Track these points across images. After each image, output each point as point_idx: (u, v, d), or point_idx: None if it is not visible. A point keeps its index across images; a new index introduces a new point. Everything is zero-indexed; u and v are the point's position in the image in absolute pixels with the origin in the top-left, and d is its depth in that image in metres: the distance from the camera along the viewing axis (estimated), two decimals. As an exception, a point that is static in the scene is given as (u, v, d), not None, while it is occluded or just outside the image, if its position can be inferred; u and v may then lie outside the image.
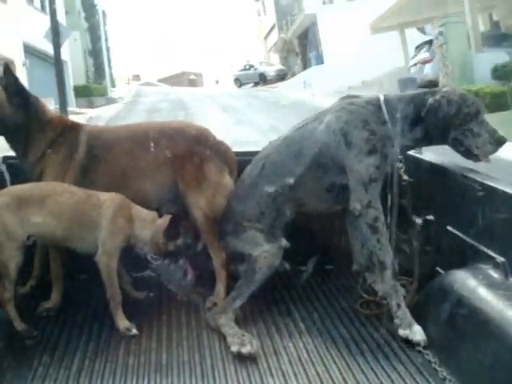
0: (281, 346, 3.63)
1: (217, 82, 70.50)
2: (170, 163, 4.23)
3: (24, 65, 30.31)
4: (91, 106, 35.97)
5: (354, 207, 3.88)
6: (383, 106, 4.01)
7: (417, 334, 3.57)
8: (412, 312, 3.69)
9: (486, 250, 3.42)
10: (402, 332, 3.62)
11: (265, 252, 3.96)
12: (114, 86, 48.42)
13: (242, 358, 3.48)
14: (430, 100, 3.91)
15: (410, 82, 24.23)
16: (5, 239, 3.64)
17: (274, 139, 4.38)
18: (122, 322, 3.76)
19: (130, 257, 3.98)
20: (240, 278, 3.99)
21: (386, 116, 3.98)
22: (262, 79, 55.97)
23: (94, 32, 46.51)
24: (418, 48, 27.13)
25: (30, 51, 32.23)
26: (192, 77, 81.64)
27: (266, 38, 63.63)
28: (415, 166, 4.28)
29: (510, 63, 20.43)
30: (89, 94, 38.30)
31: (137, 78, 76.98)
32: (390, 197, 4.03)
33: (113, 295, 3.78)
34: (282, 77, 53.64)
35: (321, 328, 3.87)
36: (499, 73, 20.47)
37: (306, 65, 48.01)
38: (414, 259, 4.01)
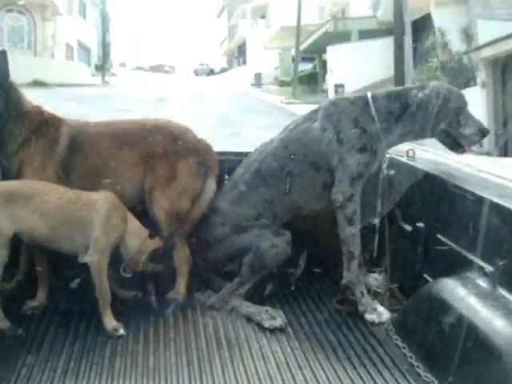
0: (268, 351, 3.70)
1: (186, 75, 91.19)
2: (146, 160, 4.29)
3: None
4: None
5: (336, 198, 4.15)
6: (371, 103, 4.21)
7: (382, 315, 4.02)
8: (399, 318, 3.89)
9: (475, 259, 3.51)
10: (368, 316, 4.03)
11: (275, 246, 4.19)
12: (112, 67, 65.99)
13: (228, 361, 3.62)
14: (420, 94, 4.14)
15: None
16: None
17: (265, 142, 4.51)
18: (110, 322, 3.82)
19: (118, 256, 4.01)
20: (243, 266, 4.24)
21: (374, 113, 4.20)
22: (211, 72, 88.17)
23: (104, 25, 59.99)
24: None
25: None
26: (167, 68, 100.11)
27: (220, 45, 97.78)
28: (407, 173, 4.39)
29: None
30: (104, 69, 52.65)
31: (123, 65, 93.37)
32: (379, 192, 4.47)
33: (102, 294, 3.83)
34: (223, 71, 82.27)
35: (308, 332, 3.95)
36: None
37: (239, 64, 74.17)
38: (387, 250, 4.36)
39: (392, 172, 4.48)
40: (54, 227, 3.81)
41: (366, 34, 32.89)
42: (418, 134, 4.29)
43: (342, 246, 4.21)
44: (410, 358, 3.56)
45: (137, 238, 3.97)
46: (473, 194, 3.65)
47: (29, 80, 34.69)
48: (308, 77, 44.41)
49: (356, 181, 4.18)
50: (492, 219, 3.41)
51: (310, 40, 41.95)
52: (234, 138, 19.05)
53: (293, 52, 44.41)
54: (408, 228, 4.36)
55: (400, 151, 4.67)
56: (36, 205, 3.78)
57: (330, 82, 36.66)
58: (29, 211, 3.77)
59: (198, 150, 4.43)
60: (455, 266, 3.71)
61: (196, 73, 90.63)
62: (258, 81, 53.23)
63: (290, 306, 4.34)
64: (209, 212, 4.45)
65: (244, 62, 67.66)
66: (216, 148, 4.54)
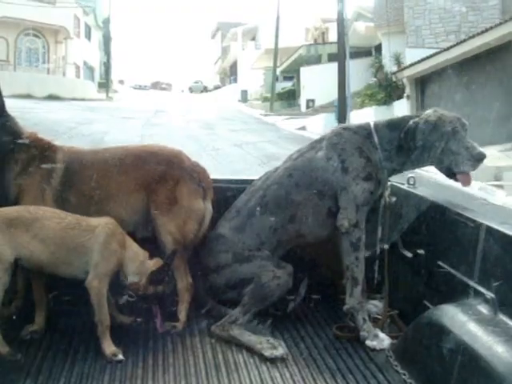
0: (267, 377, 3.72)
1: (182, 91, 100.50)
2: (143, 187, 4.33)
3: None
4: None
5: (341, 224, 4.21)
6: (374, 133, 4.29)
7: (384, 342, 4.07)
8: (399, 344, 3.93)
9: (475, 285, 3.55)
10: (369, 343, 4.07)
11: (277, 278, 4.20)
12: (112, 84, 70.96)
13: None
14: (410, 122, 4.19)
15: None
16: None
17: (269, 170, 4.57)
18: (109, 348, 3.82)
19: (117, 281, 4.03)
20: (245, 296, 4.24)
21: (377, 142, 4.28)
22: (205, 89, 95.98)
23: (106, 47, 65.64)
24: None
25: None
26: (164, 85, 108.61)
27: (214, 64, 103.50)
28: (408, 199, 4.45)
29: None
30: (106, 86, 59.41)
31: (122, 82, 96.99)
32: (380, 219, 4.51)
33: (101, 320, 3.83)
34: (216, 88, 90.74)
35: (307, 358, 3.96)
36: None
37: (230, 82, 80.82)
38: (386, 276, 4.40)
39: (393, 199, 4.51)
40: (53, 252, 3.83)
41: (334, 57, 34.32)
42: (416, 163, 4.35)
43: (346, 271, 4.26)
44: None
45: (136, 262, 3.98)
46: (473, 220, 3.69)
47: (44, 94, 44.48)
48: (287, 93, 51.98)
49: (361, 208, 4.25)
50: (492, 246, 3.45)
51: (288, 62, 51.56)
52: (211, 136, 28.19)
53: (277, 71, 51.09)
54: (408, 255, 4.39)
55: (401, 178, 4.72)
56: (36, 230, 3.81)
57: (303, 98, 45.08)
58: (29, 236, 3.79)
59: (194, 173, 4.49)
60: (455, 293, 3.73)
61: (191, 90, 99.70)
62: (243, 97, 62.78)
63: (289, 331, 4.35)
64: (211, 238, 4.49)
65: (235, 80, 75.85)
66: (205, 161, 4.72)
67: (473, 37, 23.76)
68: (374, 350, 4.04)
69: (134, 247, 4.02)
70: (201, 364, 3.85)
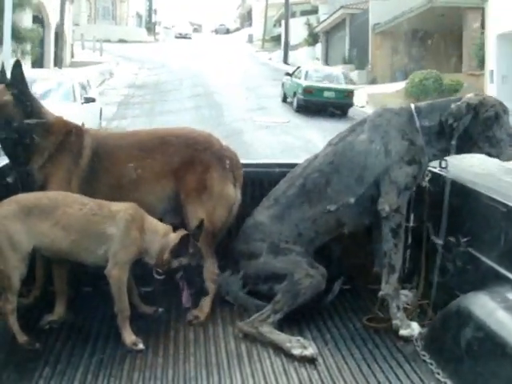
0: (291, 367, 3.71)
1: (212, 32, 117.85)
2: (172, 172, 4.31)
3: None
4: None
5: (382, 208, 4.18)
6: (415, 115, 4.24)
7: (416, 330, 4.06)
8: (427, 334, 3.92)
9: (506, 272, 3.54)
10: (403, 332, 4.04)
11: (310, 276, 4.16)
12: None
13: (249, 376, 3.62)
14: (452, 106, 4.13)
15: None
16: (9, 249, 3.70)
17: (309, 157, 4.54)
18: (129, 337, 3.85)
19: (140, 270, 4.06)
20: (278, 293, 4.19)
21: (418, 125, 4.21)
22: (227, 31, 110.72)
23: None
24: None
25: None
26: (195, 26, 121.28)
27: (237, 8, 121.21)
28: (439, 184, 4.39)
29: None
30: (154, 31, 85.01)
31: (159, 23, 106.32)
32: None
33: (121, 309, 3.86)
34: (236, 31, 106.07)
35: (333, 349, 3.96)
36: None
37: (247, 26, 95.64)
38: (421, 267, 4.33)
39: (424, 184, 4.44)
40: (74, 240, 3.83)
41: (305, 13, 62.92)
42: (456, 149, 4.28)
43: (384, 257, 4.25)
44: (438, 374, 3.56)
45: (156, 241, 3.96)
46: (505, 205, 3.67)
47: (116, 39, 65.46)
48: (277, 37, 65.44)
49: (403, 193, 4.21)
50: None
51: (277, 15, 68.50)
52: (212, 57, 51.43)
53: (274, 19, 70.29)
54: (439, 242, 4.34)
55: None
56: (57, 217, 3.81)
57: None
58: (50, 224, 3.79)
59: (224, 157, 4.44)
60: (486, 280, 3.72)
61: (216, 31, 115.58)
62: (250, 39, 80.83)
63: (315, 321, 4.33)
64: (249, 225, 4.50)
65: (250, 25, 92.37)
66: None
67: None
68: (402, 339, 4.04)
69: (153, 227, 3.99)
70: (223, 354, 3.86)
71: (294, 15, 61.50)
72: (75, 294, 4.36)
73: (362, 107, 30.17)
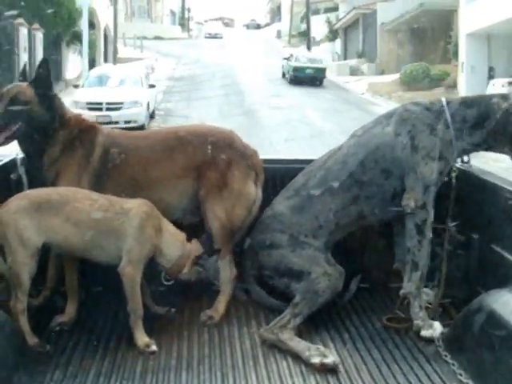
0: (308, 368, 3.30)
1: (246, 27, 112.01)
2: (192, 170, 3.91)
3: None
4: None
5: (407, 204, 3.76)
6: (446, 110, 3.81)
7: (438, 330, 3.57)
8: (449, 333, 3.46)
9: None
10: (425, 333, 3.59)
11: (328, 274, 3.75)
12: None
13: (265, 378, 3.16)
14: (505, 105, 3.71)
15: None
16: (18, 246, 3.37)
17: (332, 149, 4.12)
18: (142, 338, 3.50)
19: (152, 269, 3.68)
20: (296, 295, 3.70)
21: (450, 120, 3.77)
22: (258, 26, 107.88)
23: None
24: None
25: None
26: (226, 21, 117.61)
27: (267, 4, 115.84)
28: (461, 179, 3.94)
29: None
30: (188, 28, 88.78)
31: (191, 18, 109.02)
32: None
33: (134, 309, 3.51)
34: (266, 25, 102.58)
35: (351, 349, 3.55)
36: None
37: (276, 21, 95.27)
38: (442, 265, 3.84)
39: (445, 179, 3.97)
40: (85, 236, 3.46)
41: (328, 10, 60.01)
42: (488, 145, 3.82)
43: (407, 254, 3.85)
44: (460, 375, 3.17)
45: (175, 245, 3.59)
46: None
47: (152, 36, 63.29)
48: (304, 33, 63.81)
49: (429, 189, 3.78)
50: None
51: (302, 12, 66.06)
52: (241, 53, 53.45)
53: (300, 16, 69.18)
54: (461, 239, 3.94)
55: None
56: (68, 213, 3.46)
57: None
58: (61, 220, 3.44)
59: (246, 155, 4.04)
60: (509, 277, 3.34)
61: (247, 27, 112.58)
62: (278, 34, 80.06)
63: (333, 321, 3.90)
64: (268, 215, 4.03)
65: (280, 20, 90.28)
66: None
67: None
68: (424, 340, 3.58)
69: (170, 229, 3.64)
70: (238, 355, 3.47)
71: (318, 12, 64.33)
72: (86, 294, 4.00)
73: (362, 94, 35.75)
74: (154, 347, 3.45)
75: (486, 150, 3.89)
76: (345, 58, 50.56)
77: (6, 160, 3.98)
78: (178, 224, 3.75)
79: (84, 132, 3.89)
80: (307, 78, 38.13)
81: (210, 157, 3.89)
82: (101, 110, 21.41)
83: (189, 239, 3.69)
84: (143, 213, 3.52)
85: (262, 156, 4.20)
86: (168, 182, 3.87)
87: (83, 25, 29.56)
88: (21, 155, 3.94)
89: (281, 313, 3.67)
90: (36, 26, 27.55)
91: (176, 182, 3.88)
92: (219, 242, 3.82)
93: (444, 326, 3.65)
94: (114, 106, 21.63)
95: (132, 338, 3.48)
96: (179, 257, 3.58)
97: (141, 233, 3.49)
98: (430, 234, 3.77)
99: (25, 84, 3.83)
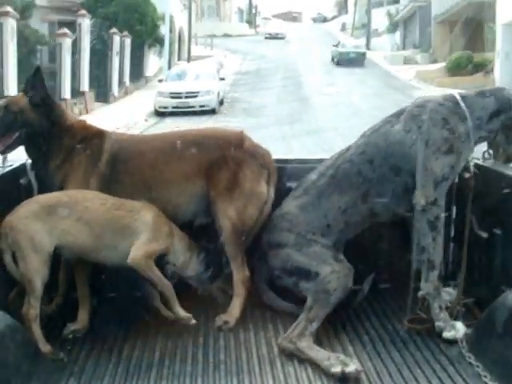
0: (327, 372, 2.93)
1: (313, 20, 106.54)
2: (203, 173, 3.56)
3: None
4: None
5: (418, 201, 3.37)
6: (461, 103, 3.44)
7: (460, 331, 3.14)
8: (473, 334, 3.06)
9: None
10: (447, 334, 3.16)
11: (336, 272, 3.39)
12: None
13: (282, 383, 2.80)
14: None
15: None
16: (30, 251, 3.08)
17: (342, 148, 3.75)
18: (183, 311, 3.24)
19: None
20: (308, 298, 3.31)
21: (467, 112, 3.37)
22: (325, 19, 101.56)
23: None
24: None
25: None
26: (294, 14, 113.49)
27: None
28: (483, 175, 3.57)
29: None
30: (254, 23, 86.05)
31: (258, 14, 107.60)
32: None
33: (164, 287, 3.27)
34: (333, 18, 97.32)
35: (371, 352, 3.18)
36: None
37: (343, 14, 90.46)
38: (462, 262, 3.45)
39: (467, 175, 3.58)
40: (98, 235, 3.22)
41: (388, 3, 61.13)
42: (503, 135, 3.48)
43: (422, 253, 3.46)
44: (485, 377, 2.83)
45: (185, 244, 3.24)
46: None
47: (221, 34, 62.05)
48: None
49: (440, 184, 3.40)
50: None
51: (365, 6, 63.03)
52: (304, 47, 50.83)
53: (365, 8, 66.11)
54: (484, 235, 3.52)
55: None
56: (79, 213, 3.22)
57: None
58: (72, 220, 3.18)
59: (257, 154, 3.72)
60: None
61: (314, 20, 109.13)
62: (343, 27, 78.63)
63: (352, 322, 3.55)
64: (277, 215, 3.63)
65: (347, 12, 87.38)
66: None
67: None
68: (447, 341, 3.18)
69: (180, 232, 3.34)
70: (254, 360, 3.14)
71: (381, 4, 61.86)
72: (98, 301, 3.69)
73: (410, 80, 35.30)
74: (193, 321, 3.22)
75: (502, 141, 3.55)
76: (403, 49, 50.43)
77: (15, 165, 3.71)
78: (187, 226, 3.52)
79: (90, 137, 3.63)
80: (350, 60, 42.26)
81: (220, 157, 3.58)
82: (180, 98, 25.24)
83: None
84: (154, 211, 3.31)
85: (275, 156, 3.86)
86: (178, 184, 3.57)
87: (164, 30, 33.02)
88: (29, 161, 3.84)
89: (294, 316, 3.36)
90: (125, 33, 31.29)
91: (186, 183, 3.57)
92: (229, 242, 3.50)
93: (467, 326, 3.29)
94: (191, 95, 25.32)
95: (146, 346, 3.08)
96: (188, 256, 3.26)
97: (156, 229, 3.24)
98: (442, 231, 3.43)
99: (20, 94, 3.60)
